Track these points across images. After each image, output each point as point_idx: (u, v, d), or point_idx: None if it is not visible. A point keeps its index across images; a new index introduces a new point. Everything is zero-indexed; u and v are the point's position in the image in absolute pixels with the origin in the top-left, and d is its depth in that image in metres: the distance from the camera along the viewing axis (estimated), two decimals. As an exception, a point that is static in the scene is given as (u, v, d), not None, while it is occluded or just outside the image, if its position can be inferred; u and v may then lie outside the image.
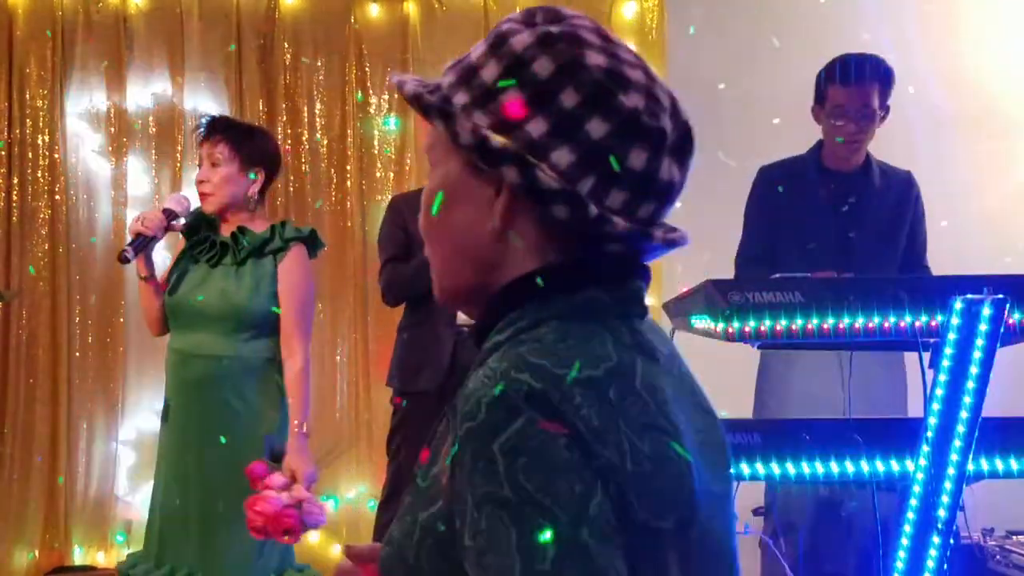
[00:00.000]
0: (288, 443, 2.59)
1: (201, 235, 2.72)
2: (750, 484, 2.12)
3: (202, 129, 2.73)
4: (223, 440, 2.54)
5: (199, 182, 2.68)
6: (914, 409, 2.08)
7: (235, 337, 2.64)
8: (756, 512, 2.86)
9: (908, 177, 3.12)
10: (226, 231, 2.71)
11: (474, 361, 0.95)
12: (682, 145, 0.93)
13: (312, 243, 2.78)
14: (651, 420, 0.85)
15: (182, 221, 2.72)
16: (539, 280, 0.91)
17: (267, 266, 2.68)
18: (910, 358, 2.54)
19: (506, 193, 0.90)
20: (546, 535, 0.77)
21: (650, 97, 0.90)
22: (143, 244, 2.59)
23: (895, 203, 3.05)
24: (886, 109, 2.98)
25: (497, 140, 0.88)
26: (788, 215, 3.01)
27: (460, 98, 0.92)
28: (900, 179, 3.10)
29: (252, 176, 2.69)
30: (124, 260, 2.58)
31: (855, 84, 2.91)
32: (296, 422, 2.59)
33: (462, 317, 3.29)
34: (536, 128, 0.88)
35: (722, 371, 3.35)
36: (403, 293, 3.32)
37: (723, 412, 2.37)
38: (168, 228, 2.65)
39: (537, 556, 0.77)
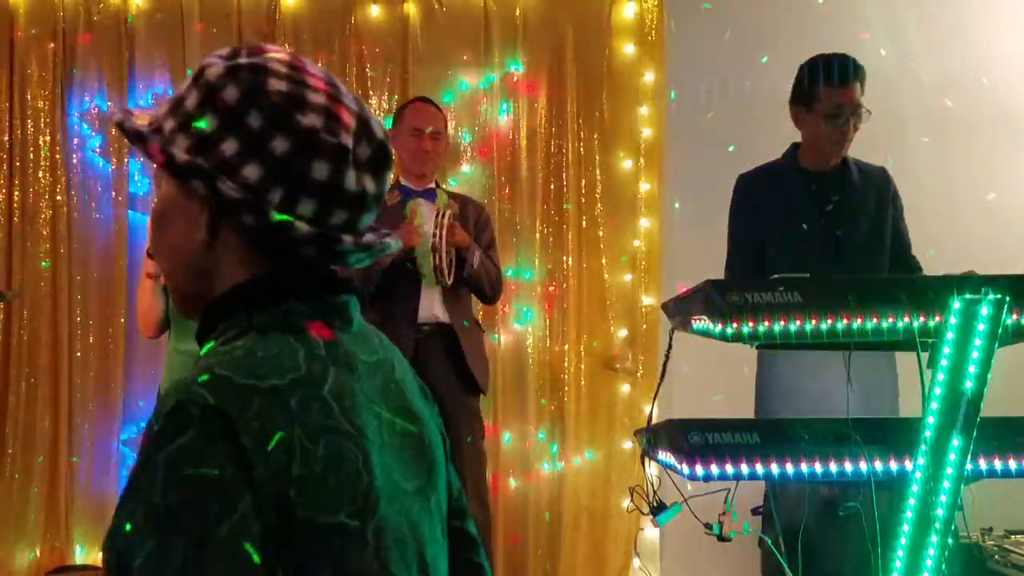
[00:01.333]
0: None
1: None
2: (750, 484, 2.12)
3: None
4: None
5: None
6: (910, 408, 2.09)
7: None
8: (755, 512, 2.87)
9: (884, 172, 3.14)
10: None
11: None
12: (376, 160, 1.05)
13: None
14: (332, 424, 0.96)
15: None
16: (245, 290, 1.01)
17: None
18: (902, 358, 2.54)
19: (207, 207, 1.01)
20: (175, 547, 0.85)
21: (330, 117, 1.01)
22: None
23: (876, 199, 3.07)
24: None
25: (182, 157, 1.00)
26: (774, 220, 3.01)
27: (169, 124, 1.03)
28: (876, 175, 3.11)
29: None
30: (153, 256, 2.58)
31: (842, 83, 2.92)
32: None
33: (423, 315, 3.32)
34: (228, 148, 0.99)
35: (722, 371, 3.37)
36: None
37: (723, 412, 2.37)
38: None
39: (163, 565, 0.85)
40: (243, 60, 1.03)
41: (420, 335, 3.31)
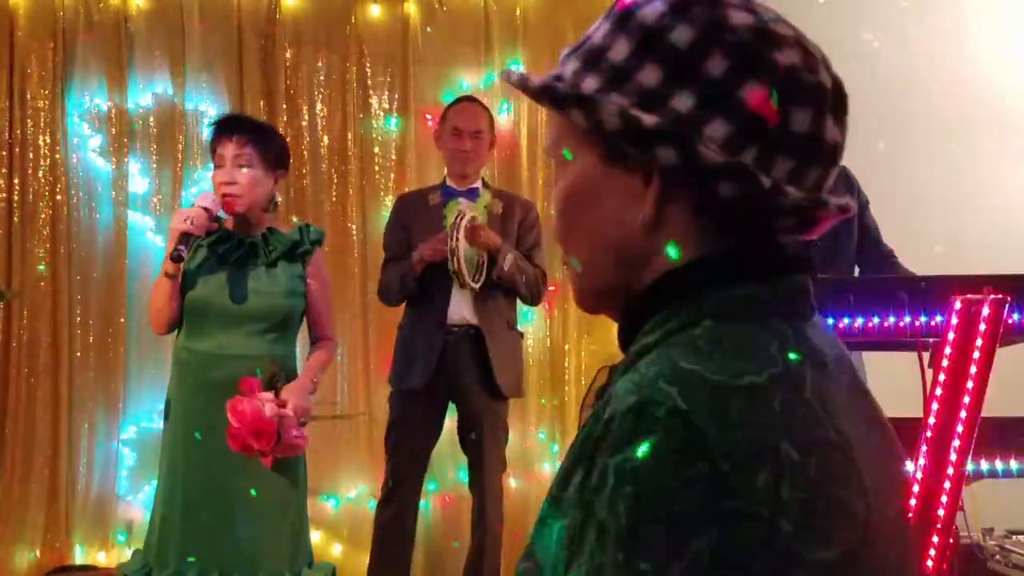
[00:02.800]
0: (296, 381, 2.65)
1: (223, 234, 2.70)
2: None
3: (220, 127, 2.71)
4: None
5: (226, 183, 2.64)
6: (910, 408, 2.08)
7: (264, 337, 2.66)
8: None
9: (844, 170, 3.14)
10: (246, 232, 2.71)
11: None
12: (838, 102, 0.83)
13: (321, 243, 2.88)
14: (821, 435, 0.74)
15: (218, 219, 2.69)
16: (690, 274, 0.81)
17: (297, 268, 2.74)
18: (899, 357, 2.54)
19: (658, 179, 0.80)
20: (615, 571, 0.69)
21: (804, 51, 0.81)
22: (192, 243, 2.60)
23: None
24: None
25: (648, 119, 0.78)
26: None
27: (589, 83, 0.83)
28: (839, 174, 3.12)
29: (274, 178, 2.72)
30: (179, 259, 2.57)
31: None
32: (309, 376, 2.70)
33: (452, 318, 3.31)
34: (682, 103, 0.79)
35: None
36: (392, 294, 3.39)
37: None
38: (208, 227, 2.64)
39: None
40: None
41: (449, 337, 3.31)
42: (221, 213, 2.68)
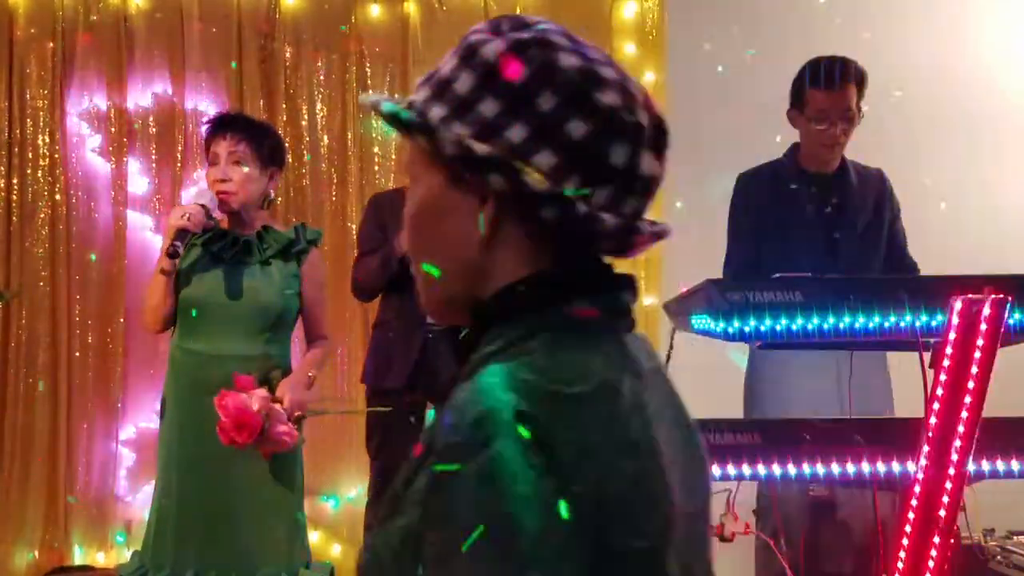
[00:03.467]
0: (291, 376, 2.64)
1: (218, 232, 2.69)
2: (751, 484, 2.12)
3: (214, 125, 2.71)
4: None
5: (220, 180, 2.64)
6: (911, 408, 2.08)
7: (259, 337, 2.65)
8: (756, 512, 2.86)
9: (880, 174, 3.14)
10: (241, 230, 2.71)
11: (448, 364, 0.96)
12: (658, 138, 0.93)
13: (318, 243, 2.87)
14: (636, 439, 0.85)
15: (214, 217, 2.69)
16: (527, 289, 0.91)
17: (292, 267, 2.73)
18: (901, 358, 2.54)
19: (492, 201, 0.90)
20: (503, 566, 0.76)
21: (625, 93, 0.90)
22: (188, 239, 2.59)
23: (874, 201, 3.08)
24: (860, 110, 2.98)
25: (481, 148, 0.88)
26: (773, 220, 3.02)
27: (436, 112, 0.92)
28: (874, 177, 3.12)
29: (268, 175, 2.72)
30: (175, 255, 2.57)
31: (836, 88, 2.91)
32: (304, 370, 2.70)
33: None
34: (516, 134, 0.88)
35: (722, 371, 3.36)
36: (367, 286, 3.32)
37: (723, 412, 2.36)
38: (205, 225, 2.63)
39: None
40: (524, 34, 0.91)
41: (429, 336, 3.29)
42: (216, 211, 2.68)
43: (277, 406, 2.49)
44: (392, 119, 0.94)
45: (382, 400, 3.28)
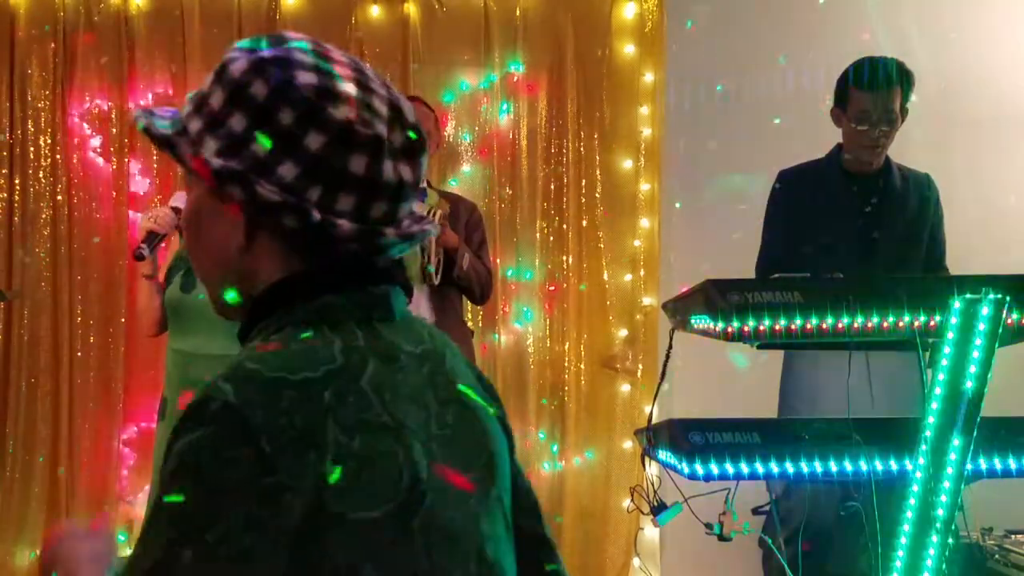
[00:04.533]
0: None
1: None
2: (750, 483, 2.12)
3: None
4: None
5: None
6: (910, 409, 2.09)
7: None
8: (756, 511, 2.87)
9: (927, 179, 3.12)
10: None
11: None
12: (410, 145, 1.01)
13: None
14: (370, 417, 0.92)
15: None
16: (280, 288, 0.99)
17: None
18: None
19: (241, 209, 0.97)
20: (185, 548, 0.84)
21: (362, 106, 0.97)
22: (156, 242, 2.59)
23: (917, 205, 3.06)
24: (905, 112, 2.97)
25: (216, 162, 0.96)
26: (812, 218, 3.00)
27: (194, 126, 1.00)
28: (920, 181, 3.10)
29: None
30: (139, 257, 2.58)
31: (879, 88, 2.89)
32: None
33: (422, 312, 3.31)
34: (260, 147, 0.96)
35: (722, 371, 3.37)
36: None
37: (723, 412, 2.37)
38: (178, 226, 2.65)
39: (170, 563, 0.84)
40: (266, 53, 0.99)
41: None
42: None
43: None
44: (144, 133, 1.02)
45: None
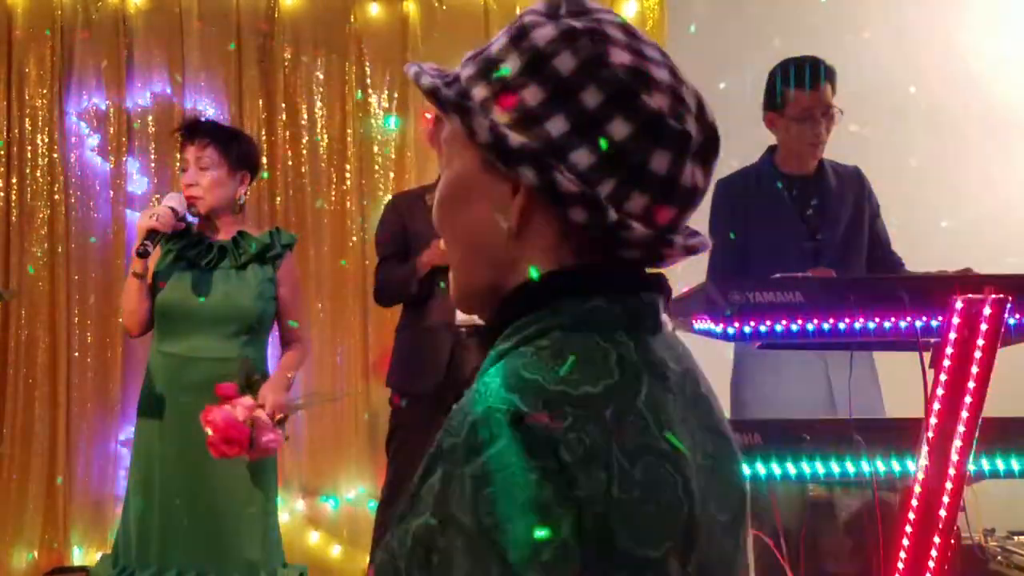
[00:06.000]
0: (271, 378, 2.66)
1: (192, 237, 2.73)
2: (750, 484, 2.11)
3: (184, 131, 2.75)
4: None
5: (187, 185, 2.70)
6: (911, 408, 2.08)
7: (236, 340, 2.67)
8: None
9: (857, 172, 3.13)
10: (214, 234, 2.74)
11: (479, 365, 0.92)
12: (707, 148, 0.89)
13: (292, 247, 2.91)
14: (649, 442, 0.80)
15: (186, 220, 2.73)
16: (544, 285, 0.87)
17: (268, 271, 2.75)
18: (899, 357, 2.54)
19: (523, 193, 0.86)
20: (493, 572, 0.74)
21: (675, 98, 0.86)
22: (158, 240, 2.60)
23: (854, 200, 3.08)
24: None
25: (515, 139, 0.84)
26: (756, 224, 3.02)
27: (479, 92, 0.88)
28: (851, 175, 3.12)
29: (239, 179, 2.75)
30: (145, 254, 2.57)
31: (817, 86, 2.92)
32: (284, 371, 2.71)
33: (460, 317, 3.26)
34: (556, 127, 0.84)
35: (722, 371, 3.36)
36: (392, 295, 3.29)
37: (724, 412, 2.35)
38: (175, 226, 2.65)
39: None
40: (578, 24, 0.86)
41: (458, 337, 3.25)
42: (188, 215, 2.71)
43: (260, 413, 2.50)
44: (430, 94, 0.90)
45: (411, 405, 3.21)
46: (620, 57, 0.85)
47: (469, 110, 0.87)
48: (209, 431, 2.44)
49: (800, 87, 2.94)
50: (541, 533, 0.74)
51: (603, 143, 0.83)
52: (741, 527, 0.93)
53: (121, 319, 4.11)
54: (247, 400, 2.51)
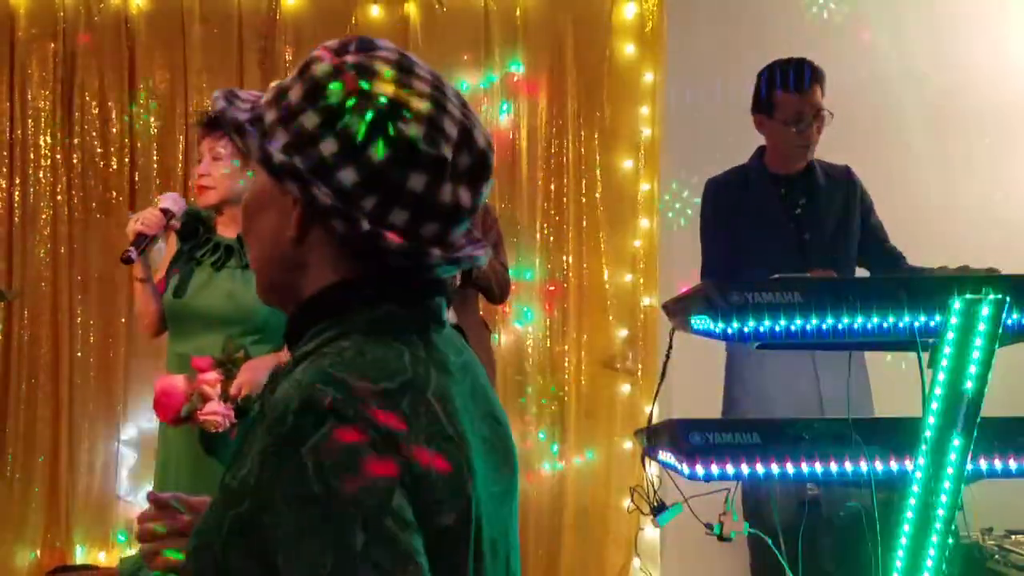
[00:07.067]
0: (257, 359, 2.58)
1: (201, 237, 2.72)
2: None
3: (201, 124, 2.73)
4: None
5: (200, 175, 2.67)
6: (910, 408, 2.09)
7: (242, 340, 2.65)
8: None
9: (847, 171, 3.14)
10: (223, 229, 2.72)
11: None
12: (475, 170, 1.01)
13: None
14: (439, 430, 0.94)
15: (178, 220, 2.71)
16: (339, 294, 1.00)
17: None
18: (897, 357, 2.55)
19: (298, 206, 0.99)
20: (355, 525, 0.85)
21: (432, 127, 0.98)
22: (144, 244, 2.59)
23: (843, 199, 3.08)
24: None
25: (279, 158, 0.98)
26: (745, 225, 3.03)
27: (270, 116, 1.02)
28: (841, 174, 3.13)
29: (251, 174, 2.72)
30: (127, 261, 2.57)
31: (806, 88, 2.93)
32: (277, 357, 2.61)
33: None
34: (327, 148, 0.97)
35: (722, 371, 3.37)
36: None
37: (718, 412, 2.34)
38: (167, 228, 2.64)
39: (348, 544, 0.85)
40: (350, 59, 1.00)
41: None
42: (189, 209, 2.70)
43: (208, 388, 2.48)
44: (220, 117, 1.05)
45: None
46: (381, 88, 0.98)
47: (246, 132, 1.02)
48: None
49: (788, 90, 2.95)
50: (385, 484, 0.88)
51: (364, 164, 0.96)
52: (513, 498, 1.09)
53: (123, 320, 4.16)
54: (211, 375, 2.50)
